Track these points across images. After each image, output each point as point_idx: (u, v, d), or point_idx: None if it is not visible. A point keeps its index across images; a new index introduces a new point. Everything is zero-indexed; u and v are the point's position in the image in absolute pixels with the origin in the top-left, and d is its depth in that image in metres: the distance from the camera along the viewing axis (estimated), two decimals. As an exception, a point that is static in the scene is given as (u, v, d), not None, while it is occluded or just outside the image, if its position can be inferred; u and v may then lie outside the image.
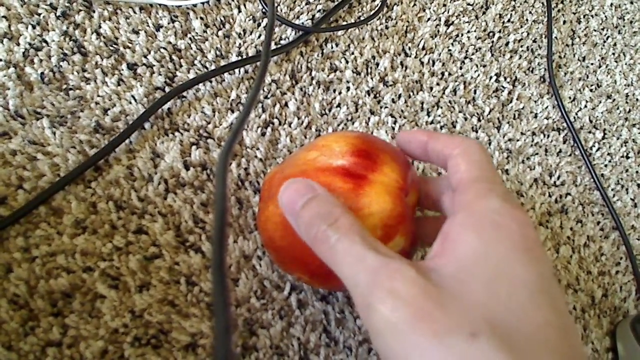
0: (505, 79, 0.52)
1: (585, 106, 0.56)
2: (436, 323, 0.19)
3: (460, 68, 0.50)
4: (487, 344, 0.18)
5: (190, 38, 0.40)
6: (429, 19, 0.51)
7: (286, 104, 0.41)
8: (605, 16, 0.63)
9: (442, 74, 0.49)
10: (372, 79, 0.45)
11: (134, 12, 0.39)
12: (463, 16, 0.53)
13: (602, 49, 0.61)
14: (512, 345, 0.18)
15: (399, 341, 0.19)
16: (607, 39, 0.62)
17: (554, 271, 0.22)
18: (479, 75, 0.51)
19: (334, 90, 0.43)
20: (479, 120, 0.48)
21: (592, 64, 0.59)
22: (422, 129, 0.30)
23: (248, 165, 0.38)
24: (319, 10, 0.46)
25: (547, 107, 0.53)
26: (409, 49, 0.49)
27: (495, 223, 0.22)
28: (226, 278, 0.18)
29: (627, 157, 0.55)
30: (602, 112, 0.56)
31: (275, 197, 0.26)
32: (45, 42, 0.36)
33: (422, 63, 0.48)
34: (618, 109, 0.57)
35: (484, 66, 0.51)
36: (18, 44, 0.35)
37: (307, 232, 0.24)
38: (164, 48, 0.39)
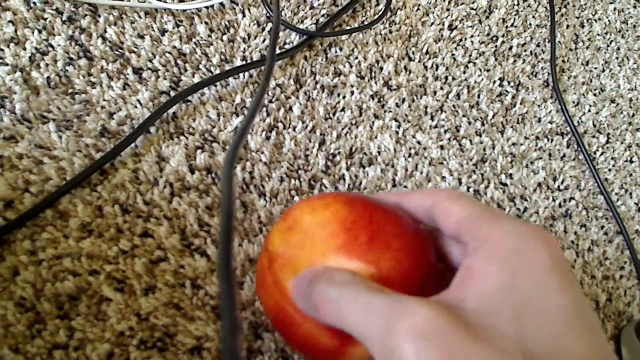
0: (508, 83, 0.52)
1: (589, 110, 0.56)
2: (468, 357, 0.17)
3: (464, 72, 0.50)
4: None
5: (195, 42, 0.40)
6: (432, 24, 0.51)
7: (290, 108, 0.41)
8: (609, 20, 0.63)
9: (446, 78, 0.49)
10: (376, 83, 0.45)
11: (139, 17, 0.39)
12: (466, 20, 0.53)
13: (605, 53, 0.61)
14: None
15: None
16: (610, 43, 0.62)
17: (584, 296, 0.20)
18: (482, 79, 0.51)
19: (338, 95, 0.44)
20: (482, 124, 0.49)
21: (595, 68, 0.59)
22: (389, 193, 0.28)
23: (253, 169, 0.38)
24: (322, 15, 0.46)
25: (550, 111, 0.53)
26: (413, 53, 0.49)
27: (519, 249, 0.21)
28: (233, 279, 0.18)
29: (631, 162, 0.55)
30: (605, 117, 0.56)
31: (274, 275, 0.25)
32: (52, 46, 0.36)
33: (425, 67, 0.49)
34: (622, 113, 0.57)
35: (488, 70, 0.52)
36: (24, 49, 0.35)
37: (308, 303, 0.23)
38: (169, 52, 0.39)
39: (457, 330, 0.18)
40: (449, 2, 0.53)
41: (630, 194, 0.53)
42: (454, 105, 0.48)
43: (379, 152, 0.43)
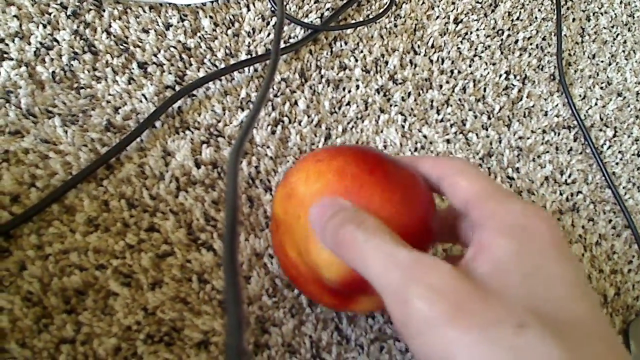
0: (515, 76, 0.52)
1: (596, 104, 0.55)
2: (480, 316, 0.19)
3: (470, 66, 0.50)
4: (535, 334, 0.18)
5: (199, 37, 0.40)
6: (437, 17, 0.51)
7: (296, 102, 0.41)
8: (615, 14, 0.63)
9: (452, 72, 0.49)
10: (381, 77, 0.45)
11: (144, 11, 0.39)
12: (472, 14, 0.53)
13: (612, 46, 0.60)
14: (561, 335, 0.18)
15: (440, 337, 0.19)
16: (617, 36, 0.61)
17: (584, 272, 0.22)
18: (488, 73, 0.50)
19: (344, 89, 0.43)
20: (489, 118, 0.48)
21: (602, 61, 0.58)
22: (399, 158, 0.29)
23: (259, 163, 0.38)
24: (327, 9, 0.46)
25: (557, 105, 0.53)
26: (418, 47, 0.48)
27: (523, 226, 0.22)
28: (238, 274, 0.18)
29: (639, 155, 0.55)
30: (612, 110, 0.56)
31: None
32: (56, 41, 0.36)
33: (431, 61, 0.48)
34: (629, 106, 0.57)
35: (494, 64, 0.51)
36: (29, 43, 0.35)
37: (334, 238, 0.23)
38: (174, 47, 0.39)
39: (468, 288, 0.20)
40: (455, -4, 0.53)
41: (638, 187, 0.53)
42: (460, 99, 0.48)
43: (384, 147, 0.42)
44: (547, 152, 0.50)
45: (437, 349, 0.19)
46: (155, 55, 0.38)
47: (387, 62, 0.46)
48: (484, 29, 0.53)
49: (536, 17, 0.57)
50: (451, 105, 0.47)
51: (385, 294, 0.21)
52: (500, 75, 0.51)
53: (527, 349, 0.18)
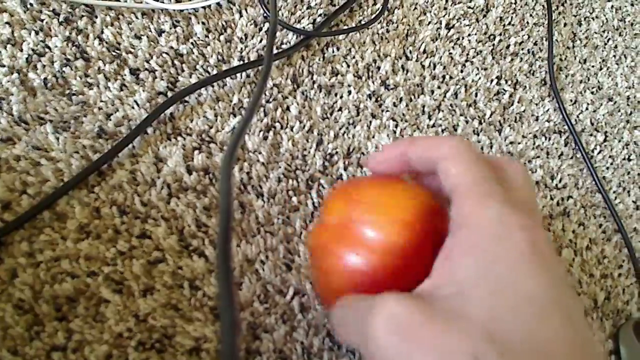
0: (506, 81, 0.52)
1: (587, 109, 0.56)
2: (433, 347, 0.18)
3: (461, 71, 0.50)
4: None
5: (192, 43, 0.40)
6: (429, 23, 0.51)
7: (288, 108, 0.41)
8: (606, 18, 0.63)
9: (443, 77, 0.49)
10: (373, 82, 0.45)
11: (136, 18, 0.39)
12: (464, 19, 0.53)
13: (603, 51, 0.61)
14: None
15: None
16: (608, 41, 0.62)
17: (566, 277, 0.21)
18: (480, 78, 0.51)
19: (336, 94, 0.44)
20: (480, 123, 0.49)
21: (593, 66, 0.59)
22: (396, 141, 0.30)
23: (250, 169, 0.38)
24: (320, 15, 0.46)
25: (548, 109, 0.53)
26: (410, 52, 0.49)
27: (497, 236, 0.21)
28: (231, 275, 0.18)
29: (629, 160, 0.55)
30: (603, 115, 0.56)
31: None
32: (48, 47, 0.36)
33: (423, 66, 0.49)
34: (619, 111, 0.58)
35: (485, 69, 0.52)
36: (21, 50, 0.35)
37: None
38: (166, 53, 0.39)
39: (421, 319, 0.19)
40: (446, 1, 0.53)
41: (628, 192, 0.53)
42: (451, 104, 0.48)
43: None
44: (538, 156, 0.50)
45: None
46: (147, 61, 0.38)
47: (379, 68, 0.46)
48: (475, 34, 0.53)
49: (528, 22, 0.57)
50: (443, 111, 0.47)
51: (359, 348, 0.22)
52: (492, 81, 0.51)
53: None
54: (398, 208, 0.26)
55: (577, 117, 0.55)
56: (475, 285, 0.20)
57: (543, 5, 0.59)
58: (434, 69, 0.49)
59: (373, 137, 0.43)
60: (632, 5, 0.66)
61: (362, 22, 0.48)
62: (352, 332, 0.23)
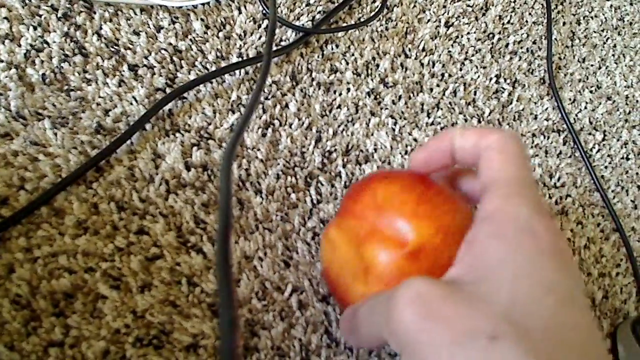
0: (505, 80, 0.52)
1: (585, 107, 0.56)
2: (453, 325, 0.19)
3: (460, 69, 0.50)
4: (508, 347, 0.18)
5: (190, 39, 0.40)
6: (428, 21, 0.51)
7: (287, 105, 0.41)
8: (605, 17, 0.63)
9: (442, 75, 0.49)
10: (372, 80, 0.45)
11: (135, 14, 0.39)
12: (463, 18, 0.53)
13: (602, 50, 0.61)
14: (536, 348, 0.18)
15: (417, 345, 0.19)
16: (607, 40, 0.62)
17: (581, 279, 0.22)
18: (479, 76, 0.51)
19: (335, 92, 0.44)
20: (479, 121, 0.49)
21: (592, 65, 0.59)
22: (442, 132, 0.29)
23: (249, 166, 0.38)
24: (319, 12, 0.46)
25: (547, 108, 0.53)
26: (409, 50, 0.49)
27: (520, 229, 0.22)
28: (231, 269, 0.18)
29: (627, 159, 0.55)
30: (602, 114, 0.56)
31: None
32: (47, 43, 0.36)
33: (422, 64, 0.49)
34: (618, 110, 0.58)
35: (484, 67, 0.52)
36: (19, 45, 0.35)
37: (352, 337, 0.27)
38: (165, 49, 0.39)
39: (443, 296, 0.20)
40: (446, -1, 0.53)
41: (627, 191, 0.53)
42: (450, 103, 0.48)
43: (375, 150, 0.43)
44: (537, 155, 0.50)
45: (415, 356, 0.19)
46: (146, 57, 0.38)
47: (378, 65, 0.46)
48: (474, 32, 0.53)
49: (527, 21, 0.57)
50: (442, 109, 0.47)
51: (384, 334, 0.22)
52: (491, 79, 0.51)
53: None
54: (430, 209, 0.27)
55: (576, 116, 0.55)
56: (497, 271, 0.21)
57: (542, 4, 0.59)
58: (433, 67, 0.49)
59: (372, 134, 0.43)
60: (631, 4, 0.66)
61: (361, 20, 0.47)
62: (375, 323, 0.23)
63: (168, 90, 0.38)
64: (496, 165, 0.24)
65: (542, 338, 0.18)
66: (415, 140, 0.44)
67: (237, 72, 0.41)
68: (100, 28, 0.38)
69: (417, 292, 0.20)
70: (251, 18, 0.43)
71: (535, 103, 0.53)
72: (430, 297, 0.20)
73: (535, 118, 0.52)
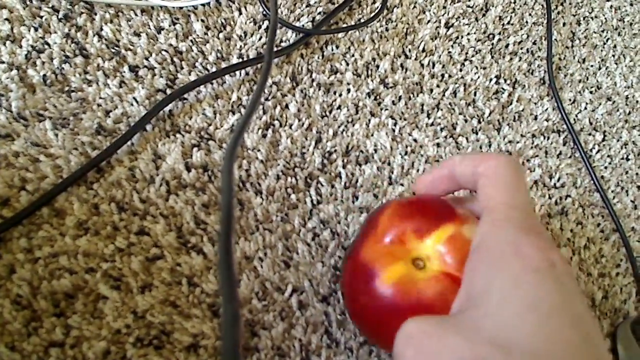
0: (505, 81, 0.52)
1: (585, 108, 0.56)
2: (443, 353, 0.20)
3: (460, 70, 0.50)
4: None
5: (191, 40, 0.40)
6: (428, 21, 0.51)
7: (287, 106, 0.41)
8: (605, 18, 0.63)
9: (442, 76, 0.49)
10: (372, 81, 0.46)
11: (135, 15, 0.39)
12: (463, 18, 0.53)
13: (602, 51, 0.61)
14: None
15: None
16: (607, 41, 0.62)
17: (578, 290, 0.22)
18: (479, 77, 0.51)
19: (335, 92, 0.44)
20: (479, 122, 0.49)
21: (592, 66, 0.59)
22: (445, 161, 0.31)
23: (249, 166, 0.38)
24: (319, 13, 0.46)
25: (547, 109, 0.53)
26: (409, 51, 0.49)
27: (506, 251, 0.22)
28: (233, 270, 0.18)
29: (627, 159, 0.55)
30: (602, 114, 0.56)
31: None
32: (48, 44, 0.36)
33: (422, 65, 0.49)
34: (618, 111, 0.58)
35: (484, 68, 0.52)
36: (20, 47, 0.35)
37: None
38: (165, 50, 0.39)
39: (429, 333, 0.21)
40: (446, 0, 0.53)
41: (627, 191, 0.53)
42: (450, 103, 0.48)
43: (375, 150, 0.43)
44: (537, 156, 0.50)
45: None
46: (146, 58, 0.38)
47: (378, 66, 0.46)
48: (474, 33, 0.53)
49: (527, 22, 0.57)
50: (442, 109, 0.47)
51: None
52: (491, 80, 0.51)
53: None
54: (450, 231, 0.28)
55: (576, 116, 0.55)
56: (485, 296, 0.21)
57: (542, 5, 0.59)
58: (433, 67, 0.49)
59: (372, 135, 0.43)
60: (631, 5, 0.66)
61: (362, 21, 0.48)
62: None
63: (169, 91, 0.38)
64: (488, 192, 0.25)
65: (526, 355, 0.19)
66: (415, 140, 0.45)
67: (237, 73, 0.41)
68: (101, 29, 0.38)
69: (409, 334, 0.22)
70: (251, 19, 0.43)
71: (535, 103, 0.53)
72: (420, 335, 0.21)
73: (535, 118, 0.52)
